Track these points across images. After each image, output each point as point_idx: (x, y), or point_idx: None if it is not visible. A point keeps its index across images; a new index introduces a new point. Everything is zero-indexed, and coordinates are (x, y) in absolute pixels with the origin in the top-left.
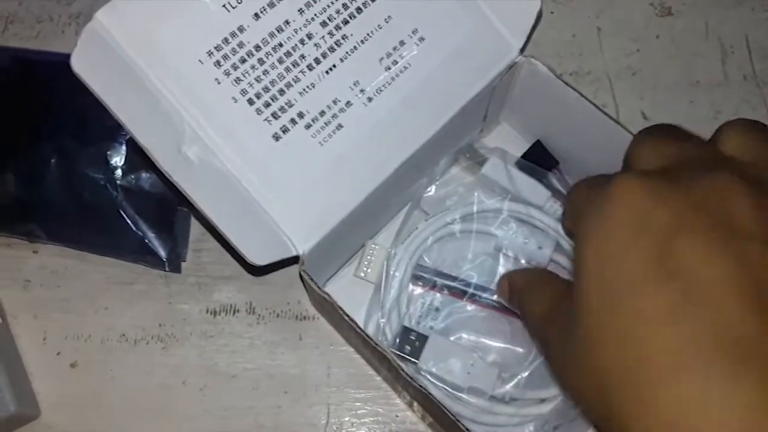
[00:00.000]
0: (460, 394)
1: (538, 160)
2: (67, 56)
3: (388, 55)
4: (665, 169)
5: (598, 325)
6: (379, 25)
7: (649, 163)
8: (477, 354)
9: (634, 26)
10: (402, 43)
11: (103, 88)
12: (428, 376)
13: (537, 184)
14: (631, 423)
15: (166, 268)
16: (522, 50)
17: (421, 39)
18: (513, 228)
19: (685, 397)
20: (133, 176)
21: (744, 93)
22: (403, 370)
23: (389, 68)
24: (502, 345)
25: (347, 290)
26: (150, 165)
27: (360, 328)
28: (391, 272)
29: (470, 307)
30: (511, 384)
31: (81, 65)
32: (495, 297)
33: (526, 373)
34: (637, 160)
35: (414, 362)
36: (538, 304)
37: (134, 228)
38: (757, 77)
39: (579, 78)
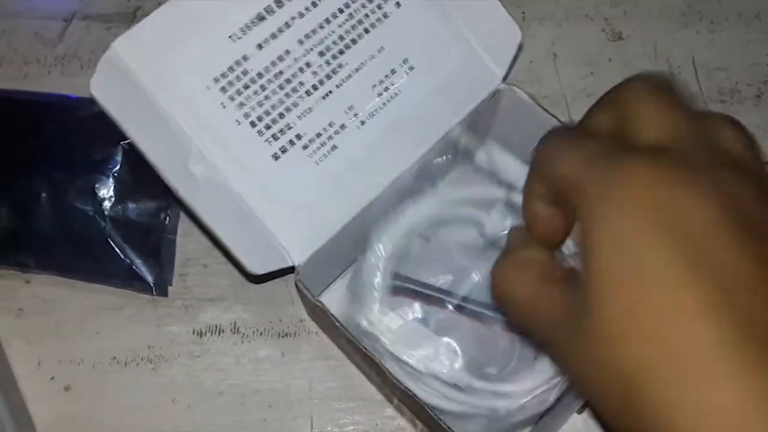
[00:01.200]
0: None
1: None
2: (56, 96)
3: (380, 82)
4: (679, 151)
5: (619, 321)
6: (372, 55)
7: (658, 133)
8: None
9: (588, 51)
10: (393, 71)
11: (117, 111)
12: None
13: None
14: (663, 425)
15: (154, 293)
16: (504, 78)
17: (411, 68)
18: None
19: (725, 400)
20: (120, 207)
21: None
22: (391, 374)
23: (381, 94)
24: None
25: (340, 301)
26: (136, 195)
27: (351, 334)
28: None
29: (454, 316)
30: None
31: (98, 90)
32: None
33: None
34: (640, 124)
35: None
36: (522, 285)
37: (122, 255)
38: (703, 95)
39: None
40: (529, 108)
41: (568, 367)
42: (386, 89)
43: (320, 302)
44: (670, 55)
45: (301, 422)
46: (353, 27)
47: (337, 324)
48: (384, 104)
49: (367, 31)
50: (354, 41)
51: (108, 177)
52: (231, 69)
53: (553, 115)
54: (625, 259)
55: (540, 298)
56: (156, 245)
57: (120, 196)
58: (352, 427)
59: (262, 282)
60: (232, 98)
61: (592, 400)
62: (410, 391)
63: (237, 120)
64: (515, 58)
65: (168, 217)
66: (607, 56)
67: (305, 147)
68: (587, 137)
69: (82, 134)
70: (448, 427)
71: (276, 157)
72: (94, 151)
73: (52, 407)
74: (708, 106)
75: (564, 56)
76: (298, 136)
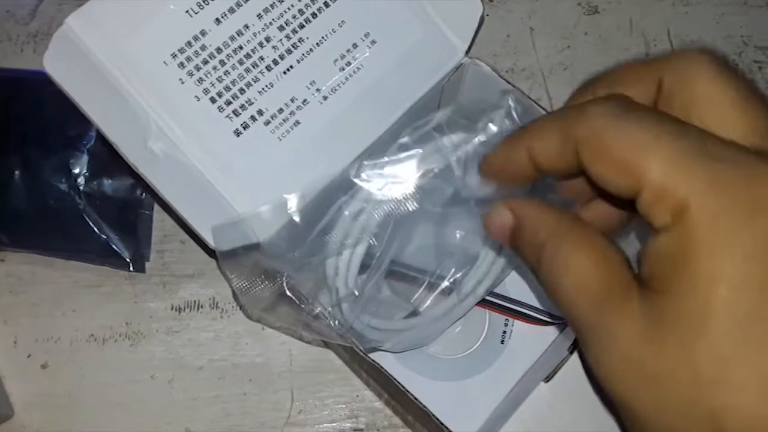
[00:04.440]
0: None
1: None
2: (28, 72)
3: (342, 56)
4: None
5: (725, 366)
6: (333, 29)
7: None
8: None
9: (564, 25)
10: (355, 45)
11: (73, 88)
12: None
13: None
14: None
15: (131, 269)
16: (467, 52)
17: (373, 42)
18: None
19: None
20: (95, 183)
21: None
22: (358, 347)
23: (343, 69)
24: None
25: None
26: (111, 171)
27: (318, 312)
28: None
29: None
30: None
31: (53, 67)
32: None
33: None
34: (719, 117)
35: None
36: (578, 275)
37: (98, 232)
38: None
39: (515, 74)
40: (492, 81)
41: (606, 369)
42: (348, 64)
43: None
44: (646, 27)
45: (282, 396)
46: (313, 1)
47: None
48: (346, 79)
49: (327, 5)
50: (314, 15)
51: (82, 153)
52: (189, 44)
53: (513, 85)
54: (754, 294)
55: (610, 308)
56: (132, 221)
57: (95, 171)
58: (332, 399)
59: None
60: (190, 74)
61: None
62: (376, 363)
63: (196, 96)
64: (477, 31)
65: (144, 193)
66: (583, 29)
67: (267, 123)
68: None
69: (55, 110)
70: (413, 395)
71: (237, 133)
72: (68, 126)
73: (29, 386)
74: None
75: (540, 30)
76: (260, 112)
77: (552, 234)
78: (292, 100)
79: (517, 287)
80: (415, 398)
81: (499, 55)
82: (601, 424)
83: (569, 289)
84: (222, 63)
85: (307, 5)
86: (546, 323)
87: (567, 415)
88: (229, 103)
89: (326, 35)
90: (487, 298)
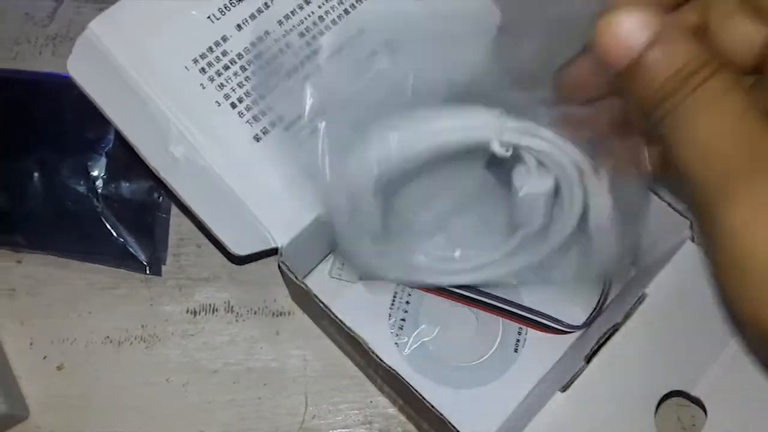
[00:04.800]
0: None
1: None
2: (47, 75)
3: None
4: None
5: None
6: (352, 36)
7: None
8: None
9: None
10: (374, 52)
11: (96, 92)
12: None
13: None
14: None
15: (147, 272)
16: None
17: (393, 50)
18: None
19: None
20: (113, 185)
21: None
22: (374, 353)
23: (363, 75)
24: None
25: (324, 282)
26: (129, 174)
27: (335, 314)
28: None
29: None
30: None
31: (76, 71)
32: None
33: None
34: None
35: None
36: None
37: (115, 234)
38: None
39: None
40: None
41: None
42: (368, 71)
43: (304, 284)
44: None
45: (296, 400)
46: (333, 8)
47: (321, 305)
48: (366, 86)
49: (347, 12)
50: (334, 22)
51: (101, 155)
52: (210, 50)
53: None
54: None
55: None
56: (149, 224)
57: (113, 174)
58: (346, 405)
59: (246, 263)
60: (211, 79)
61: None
62: (392, 369)
63: (217, 101)
64: None
65: (161, 196)
66: None
67: (287, 128)
68: None
69: (74, 113)
70: (429, 403)
71: (257, 139)
72: (87, 129)
73: (44, 387)
74: None
75: None
76: (280, 118)
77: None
78: (311, 107)
79: (531, 296)
80: (430, 405)
81: None
82: None
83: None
84: (243, 69)
85: (327, 12)
86: (560, 332)
87: (584, 426)
88: (249, 108)
89: (345, 42)
90: (500, 305)
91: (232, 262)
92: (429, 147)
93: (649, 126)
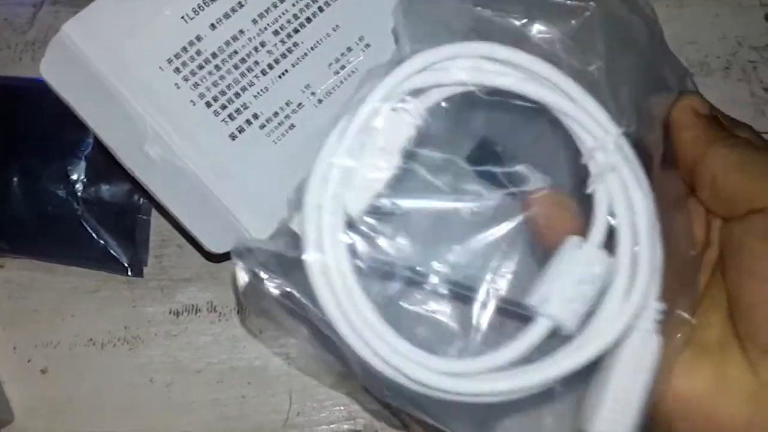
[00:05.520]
0: None
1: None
2: (25, 80)
3: (337, 60)
4: None
5: None
6: (327, 33)
7: None
8: None
9: None
10: (349, 49)
11: (70, 94)
12: None
13: None
14: None
15: (129, 274)
16: None
17: (367, 45)
18: None
19: None
20: (93, 189)
21: None
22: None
23: (338, 72)
24: None
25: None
26: (109, 177)
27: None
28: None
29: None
30: None
31: (49, 73)
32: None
33: None
34: None
35: None
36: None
37: (96, 237)
38: None
39: None
40: None
41: None
42: (342, 67)
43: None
44: None
45: (280, 398)
46: (307, 5)
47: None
48: (341, 82)
49: (321, 9)
50: (308, 20)
51: (80, 159)
52: (184, 49)
53: None
54: None
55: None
56: (130, 226)
57: (93, 177)
58: (330, 402)
59: (224, 261)
60: (186, 79)
61: None
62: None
63: (192, 100)
64: None
65: (141, 198)
66: None
67: (262, 126)
68: None
69: (53, 117)
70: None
71: (233, 137)
72: (66, 133)
73: (29, 390)
74: None
75: None
76: (255, 116)
77: None
78: (287, 104)
79: None
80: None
81: None
82: None
83: None
84: (217, 68)
85: (301, 10)
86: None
87: None
88: (224, 107)
89: (321, 39)
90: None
91: (210, 260)
92: None
93: None
